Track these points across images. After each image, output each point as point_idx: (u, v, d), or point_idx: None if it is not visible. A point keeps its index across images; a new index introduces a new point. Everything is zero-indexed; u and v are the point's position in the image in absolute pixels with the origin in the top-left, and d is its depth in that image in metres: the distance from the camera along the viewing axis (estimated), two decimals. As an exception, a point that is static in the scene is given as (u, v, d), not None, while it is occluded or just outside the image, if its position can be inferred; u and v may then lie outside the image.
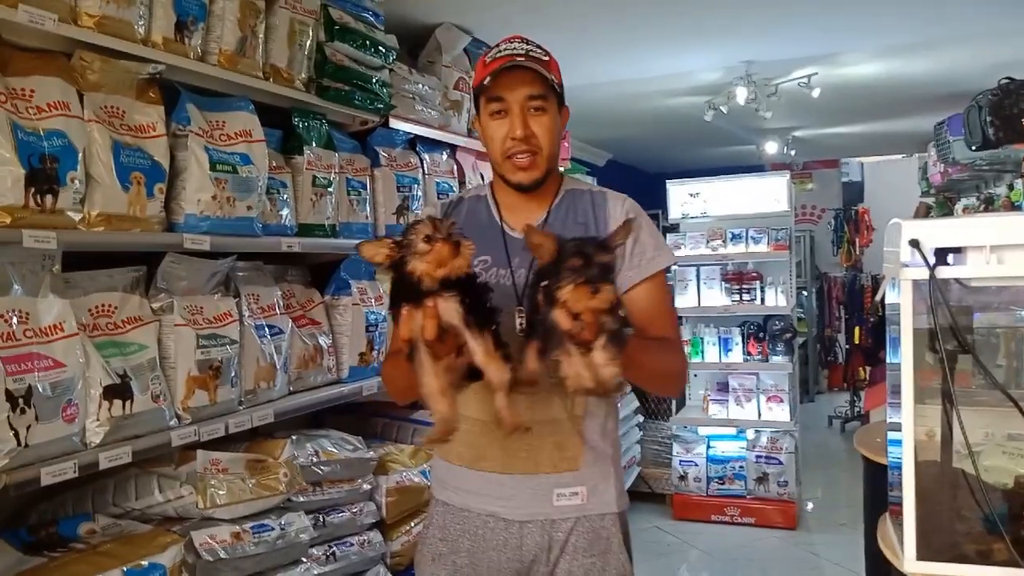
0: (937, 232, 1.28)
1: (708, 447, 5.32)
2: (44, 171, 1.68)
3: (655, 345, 1.57)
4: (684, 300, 5.31)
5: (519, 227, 1.56)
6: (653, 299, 1.62)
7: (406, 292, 1.26)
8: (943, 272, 1.26)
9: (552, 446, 1.57)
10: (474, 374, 1.33)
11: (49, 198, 1.69)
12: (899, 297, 1.30)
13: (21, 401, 1.60)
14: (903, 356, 1.29)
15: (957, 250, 1.28)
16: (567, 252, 1.26)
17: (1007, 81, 4.65)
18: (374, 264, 1.30)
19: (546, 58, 1.60)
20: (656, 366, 1.57)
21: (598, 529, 1.59)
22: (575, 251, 1.26)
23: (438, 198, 3.09)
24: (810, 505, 5.51)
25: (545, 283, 1.27)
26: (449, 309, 1.24)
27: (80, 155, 1.76)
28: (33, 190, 1.66)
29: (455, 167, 3.41)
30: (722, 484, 5.21)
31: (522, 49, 1.58)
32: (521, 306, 1.52)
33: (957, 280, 1.29)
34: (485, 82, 1.56)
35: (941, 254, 1.28)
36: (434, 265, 1.23)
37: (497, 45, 1.61)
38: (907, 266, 1.28)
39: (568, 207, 1.66)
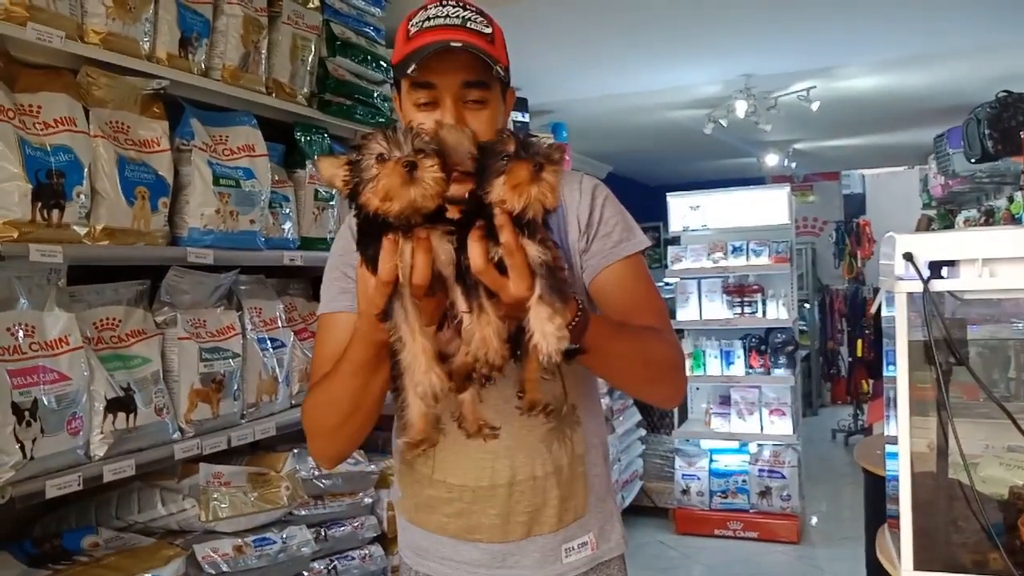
0: (931, 245, 1.30)
1: (711, 461, 5.32)
2: (51, 186, 1.70)
3: (633, 328, 1.26)
4: (685, 313, 5.33)
5: None
6: (628, 285, 1.33)
7: (376, 226, 0.96)
8: (937, 285, 1.28)
9: (557, 500, 1.34)
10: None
11: (55, 212, 1.71)
12: (894, 310, 1.31)
13: (27, 414, 1.61)
14: (898, 368, 1.30)
15: (951, 263, 1.30)
16: (494, 145, 0.98)
17: (1005, 94, 4.68)
18: (335, 189, 1.01)
19: (488, 30, 1.25)
20: (635, 353, 1.25)
21: None
22: (504, 137, 0.98)
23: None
24: (814, 519, 5.50)
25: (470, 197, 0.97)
26: (444, 251, 0.97)
27: (86, 170, 1.78)
28: (40, 205, 1.68)
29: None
30: (725, 498, 5.21)
31: (457, 18, 1.23)
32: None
33: (951, 293, 1.30)
34: (410, 71, 1.20)
35: (935, 267, 1.29)
36: (381, 196, 0.92)
37: (425, 7, 1.26)
38: (902, 279, 1.30)
39: None
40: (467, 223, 0.98)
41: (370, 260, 0.98)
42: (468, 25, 1.23)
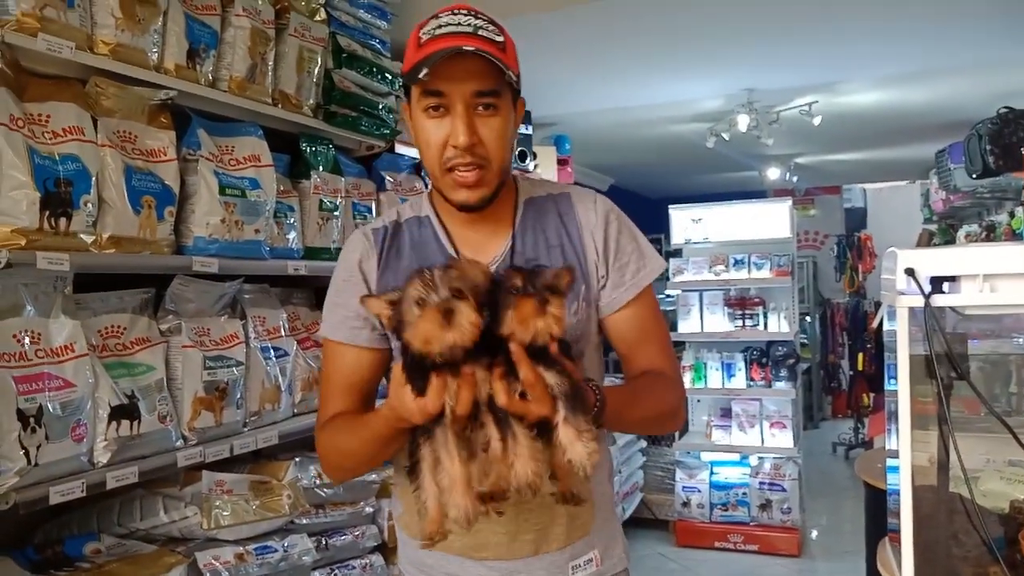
0: (932, 261, 1.30)
1: (711, 473, 5.32)
2: (59, 194, 1.72)
3: (643, 387, 1.33)
4: (687, 325, 5.34)
5: (481, 260, 1.25)
6: (640, 321, 1.37)
7: (421, 363, 1.03)
8: (938, 300, 1.28)
9: (565, 518, 1.34)
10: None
11: (63, 221, 1.73)
12: (896, 324, 1.32)
13: (32, 420, 1.62)
14: (900, 382, 1.31)
15: (952, 279, 1.31)
16: (504, 278, 1.07)
17: (1006, 110, 4.70)
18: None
19: (500, 38, 1.25)
20: (647, 413, 1.32)
21: None
22: (514, 272, 1.07)
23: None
24: (814, 532, 5.49)
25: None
26: (481, 383, 1.04)
27: (93, 179, 1.80)
28: (48, 213, 1.69)
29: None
30: (725, 511, 5.20)
31: (469, 26, 1.22)
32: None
33: (952, 308, 1.31)
34: (421, 75, 1.19)
35: (937, 282, 1.30)
36: (421, 340, 1.00)
37: (437, 15, 1.25)
38: (903, 294, 1.31)
39: (534, 226, 1.36)
40: (486, 354, 1.05)
41: (417, 389, 1.05)
42: (480, 33, 1.23)
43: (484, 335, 1.02)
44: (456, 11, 1.25)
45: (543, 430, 1.07)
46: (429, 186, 1.43)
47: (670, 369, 1.40)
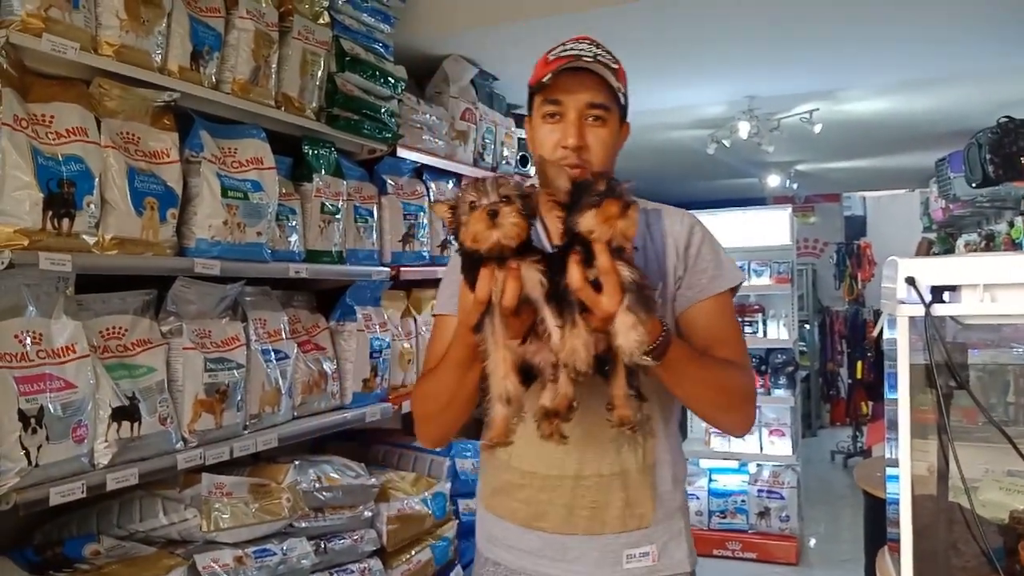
0: (933, 270, 1.31)
1: (710, 480, 5.32)
2: (62, 195, 1.72)
3: (712, 357, 1.40)
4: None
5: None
6: (714, 322, 1.45)
7: (474, 258, 1.16)
8: (938, 309, 1.29)
9: (621, 502, 1.42)
10: (527, 376, 1.21)
11: (66, 222, 1.73)
12: (896, 333, 1.32)
13: (33, 421, 1.62)
14: (900, 392, 1.31)
15: (953, 288, 1.31)
16: (587, 184, 1.16)
17: (1006, 120, 4.71)
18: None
19: (615, 65, 1.44)
20: (710, 378, 1.38)
21: None
22: (597, 178, 1.16)
23: None
24: (812, 541, 5.48)
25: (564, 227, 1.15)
26: (531, 277, 1.15)
27: (96, 180, 1.80)
28: (51, 213, 1.70)
29: (461, 196, 3.45)
30: (724, 518, 5.20)
31: (590, 52, 1.42)
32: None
33: (952, 317, 1.31)
34: (544, 80, 1.40)
35: (937, 291, 1.30)
36: (470, 238, 1.13)
37: (563, 43, 1.47)
38: (904, 303, 1.31)
39: None
40: (562, 252, 1.17)
41: (470, 283, 1.18)
42: (599, 59, 1.42)
43: (568, 238, 1.15)
44: (580, 40, 1.46)
45: (601, 367, 1.16)
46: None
47: (744, 364, 1.49)
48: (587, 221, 1.12)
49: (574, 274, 1.13)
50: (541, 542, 1.44)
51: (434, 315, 1.61)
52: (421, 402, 1.48)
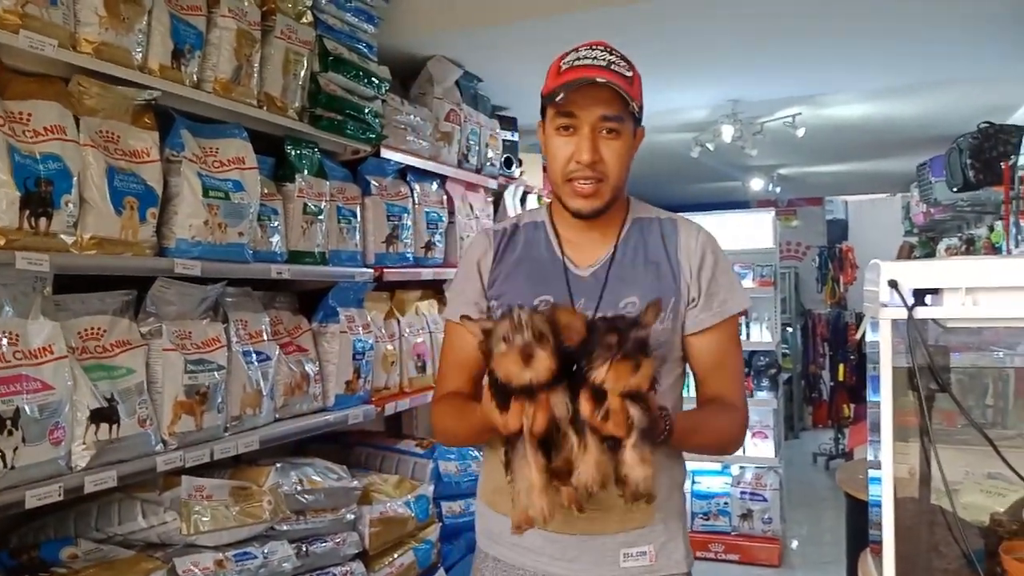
0: (916, 273, 1.31)
1: (693, 482, 5.32)
2: (39, 194, 1.70)
3: (707, 417, 1.48)
4: (670, 334, 5.33)
5: (583, 263, 1.50)
6: (718, 348, 1.51)
7: (502, 386, 1.21)
8: (921, 312, 1.29)
9: (621, 508, 1.40)
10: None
11: (43, 221, 1.70)
12: (878, 336, 1.33)
13: (8, 423, 1.59)
14: (882, 394, 1.31)
15: (935, 291, 1.32)
16: (599, 330, 1.20)
17: (986, 125, 4.75)
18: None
19: (629, 74, 1.44)
20: (708, 440, 1.49)
21: None
22: (609, 327, 1.19)
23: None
24: (795, 543, 5.50)
25: (576, 367, 1.20)
26: (559, 404, 1.20)
27: (75, 179, 1.78)
28: (28, 212, 1.67)
29: (445, 197, 3.45)
30: (707, 520, 5.21)
31: (604, 60, 1.41)
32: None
33: (935, 320, 1.32)
34: (558, 99, 1.39)
35: (919, 295, 1.31)
36: (503, 374, 1.19)
37: (576, 49, 1.45)
38: (886, 306, 1.31)
39: (637, 242, 1.52)
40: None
41: (500, 407, 1.22)
42: (612, 67, 1.41)
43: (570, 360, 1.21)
44: (594, 47, 1.45)
45: (615, 444, 1.22)
46: (544, 201, 1.66)
47: (738, 400, 1.54)
48: (600, 374, 1.16)
49: (585, 408, 1.18)
50: (541, 540, 1.46)
51: (446, 320, 1.65)
52: (440, 428, 1.59)
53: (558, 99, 1.39)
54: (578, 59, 1.42)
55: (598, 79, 1.37)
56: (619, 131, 1.42)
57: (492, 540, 1.56)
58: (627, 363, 1.15)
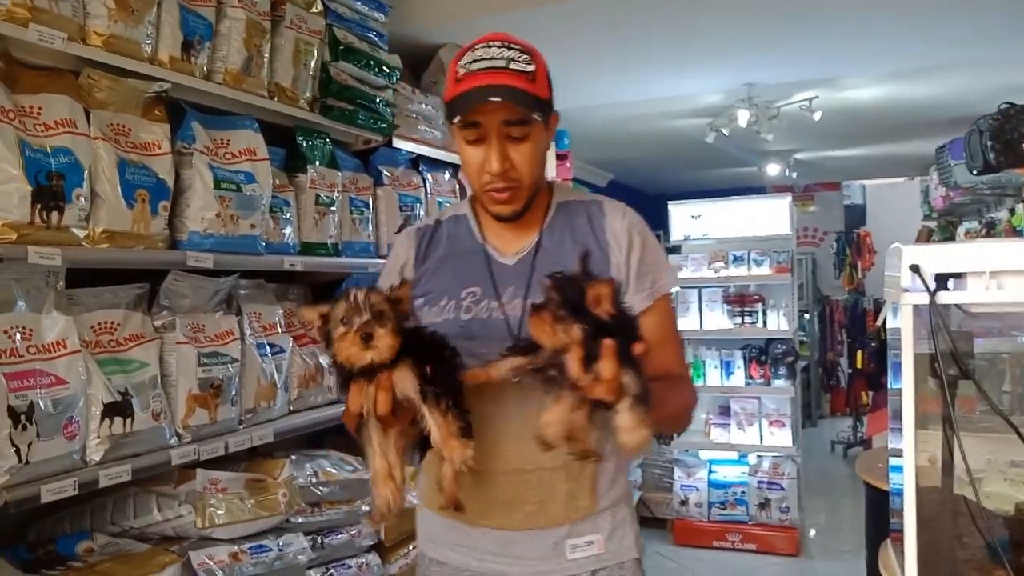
0: (938, 257, 1.28)
1: (710, 472, 5.30)
2: (50, 188, 1.69)
3: (664, 389, 1.36)
4: (686, 322, 5.31)
5: (508, 252, 1.47)
6: (657, 326, 1.44)
7: (346, 371, 1.16)
8: (943, 297, 1.26)
9: (564, 495, 1.41)
10: (426, 442, 1.21)
11: (55, 215, 1.70)
12: (900, 322, 1.30)
13: (23, 418, 1.59)
14: (904, 381, 1.28)
15: (958, 275, 1.29)
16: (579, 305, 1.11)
17: (1007, 106, 4.67)
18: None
19: (530, 68, 1.36)
20: (668, 413, 1.40)
21: None
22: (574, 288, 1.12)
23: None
24: (812, 531, 5.47)
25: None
26: (404, 380, 1.15)
27: (86, 172, 1.77)
28: (39, 207, 1.67)
29: (457, 186, 3.43)
30: (724, 509, 5.19)
31: (502, 60, 1.34)
32: (513, 348, 1.27)
33: (957, 305, 1.29)
34: (455, 120, 1.37)
35: (942, 279, 1.28)
36: (343, 358, 1.13)
37: (473, 47, 1.38)
38: (908, 291, 1.28)
39: (563, 226, 1.49)
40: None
41: (344, 392, 1.18)
42: (511, 67, 1.34)
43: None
44: (491, 43, 1.37)
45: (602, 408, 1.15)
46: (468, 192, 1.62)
47: (685, 371, 1.52)
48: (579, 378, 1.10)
49: (574, 368, 1.10)
50: (484, 538, 1.43)
51: None
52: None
53: (455, 121, 1.37)
54: (474, 61, 1.35)
55: (492, 97, 1.31)
56: (527, 133, 1.37)
57: (434, 542, 1.52)
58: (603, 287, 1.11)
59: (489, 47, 1.36)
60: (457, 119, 1.36)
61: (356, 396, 1.15)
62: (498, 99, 1.31)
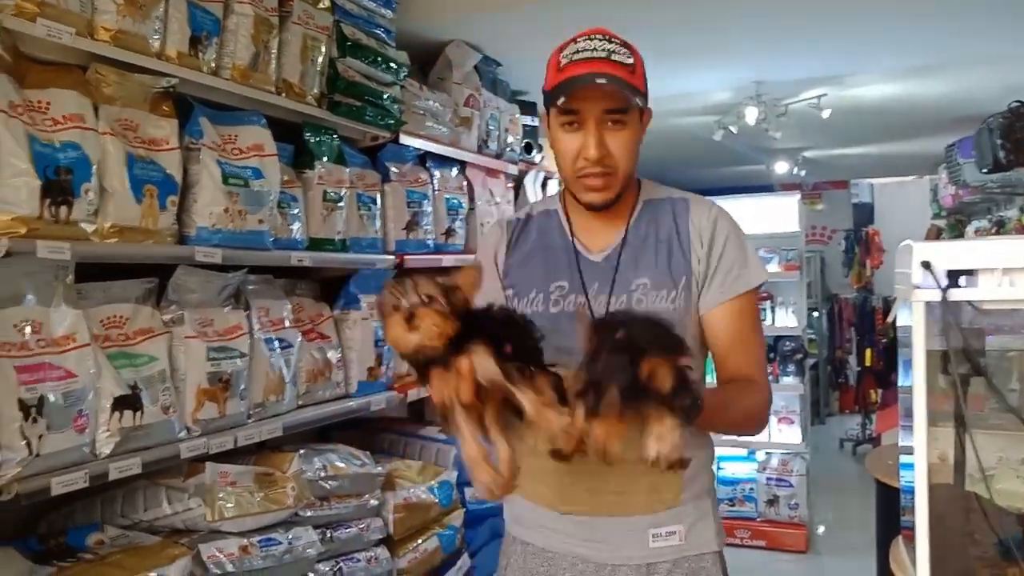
0: (949, 254, 1.27)
1: (718, 468, 5.29)
2: (59, 183, 1.69)
3: (732, 396, 1.43)
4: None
5: (595, 248, 1.50)
6: (735, 324, 1.45)
7: (415, 361, 1.12)
8: (955, 294, 1.26)
9: (646, 487, 1.43)
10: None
11: (63, 209, 1.70)
12: (911, 319, 1.29)
13: (33, 411, 1.60)
14: (915, 378, 1.28)
15: (969, 272, 1.28)
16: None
17: (1017, 104, 4.65)
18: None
19: (630, 61, 1.40)
20: (733, 419, 1.44)
21: (697, 571, 1.47)
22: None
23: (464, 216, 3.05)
24: (821, 528, 5.46)
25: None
26: (484, 363, 1.10)
27: (94, 167, 1.78)
28: (48, 201, 1.67)
29: (465, 183, 3.43)
30: (732, 506, 5.18)
31: (603, 51, 1.38)
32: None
33: (969, 302, 1.28)
34: (559, 103, 1.38)
35: (953, 276, 1.27)
36: (392, 343, 1.11)
37: (575, 39, 1.42)
38: (919, 288, 1.28)
39: (648, 223, 1.51)
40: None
41: (423, 381, 1.14)
42: (612, 58, 1.38)
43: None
44: (592, 36, 1.41)
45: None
46: (561, 186, 1.64)
47: (761, 378, 1.48)
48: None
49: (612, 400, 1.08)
50: (568, 523, 1.46)
51: None
52: None
53: (559, 103, 1.38)
54: (577, 51, 1.39)
55: (598, 79, 1.34)
56: (624, 122, 1.41)
57: (520, 524, 1.56)
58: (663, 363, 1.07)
59: (591, 39, 1.40)
60: (561, 101, 1.37)
61: (438, 386, 1.11)
62: (603, 81, 1.34)
